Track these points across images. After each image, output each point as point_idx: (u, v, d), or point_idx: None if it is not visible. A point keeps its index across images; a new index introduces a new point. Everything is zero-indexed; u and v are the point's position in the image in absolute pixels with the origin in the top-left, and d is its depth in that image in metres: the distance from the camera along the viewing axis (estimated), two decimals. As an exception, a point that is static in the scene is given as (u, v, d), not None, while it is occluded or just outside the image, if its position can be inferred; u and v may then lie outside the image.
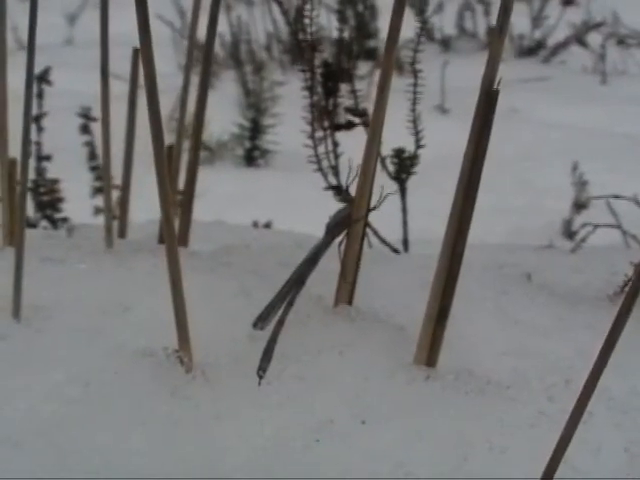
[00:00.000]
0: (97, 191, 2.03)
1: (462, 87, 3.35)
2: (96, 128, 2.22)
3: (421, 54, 1.44)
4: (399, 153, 1.40)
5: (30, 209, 1.84)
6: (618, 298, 1.17)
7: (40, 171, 1.85)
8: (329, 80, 1.46)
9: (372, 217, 1.47)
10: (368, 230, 1.46)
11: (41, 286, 0.95)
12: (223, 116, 2.90)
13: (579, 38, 3.93)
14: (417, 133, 1.43)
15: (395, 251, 1.45)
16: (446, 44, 4.16)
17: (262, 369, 0.83)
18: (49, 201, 1.83)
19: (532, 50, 4.17)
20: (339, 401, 0.82)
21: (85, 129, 2.19)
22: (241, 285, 0.99)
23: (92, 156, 2.22)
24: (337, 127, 1.46)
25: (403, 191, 1.44)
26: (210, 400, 0.82)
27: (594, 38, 3.91)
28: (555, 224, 2.30)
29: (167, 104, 3.20)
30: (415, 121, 1.43)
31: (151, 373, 0.84)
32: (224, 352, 0.88)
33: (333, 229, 0.97)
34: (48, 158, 1.83)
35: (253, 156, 2.84)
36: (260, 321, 0.86)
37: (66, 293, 0.95)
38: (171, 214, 0.84)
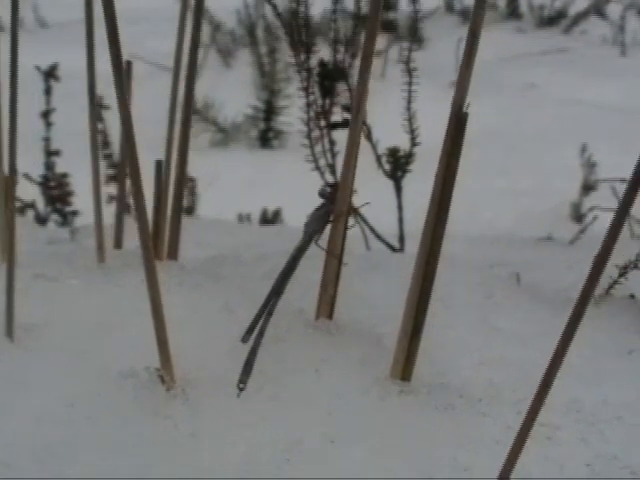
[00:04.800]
0: (110, 179, 2.07)
1: (480, 61, 3.35)
2: (107, 115, 2.26)
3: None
4: (394, 152, 1.42)
5: (40, 203, 1.88)
6: (603, 300, 1.19)
7: (49, 166, 1.89)
8: (325, 79, 1.48)
9: (368, 214, 1.50)
10: (365, 228, 1.49)
11: (33, 304, 0.99)
12: (238, 96, 2.92)
13: (598, 9, 3.90)
14: (412, 131, 1.45)
15: (392, 248, 1.48)
16: (466, 16, 4.14)
17: (242, 382, 0.86)
18: (59, 195, 1.87)
19: (552, 20, 4.15)
20: (311, 420, 0.85)
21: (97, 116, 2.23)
22: (225, 301, 1.02)
23: (105, 144, 2.26)
24: (333, 125, 1.48)
25: (399, 189, 1.46)
26: (188, 419, 0.85)
27: (614, 8, 3.88)
28: (564, 206, 2.31)
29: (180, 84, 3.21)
30: (411, 119, 1.44)
31: (134, 393, 0.87)
32: (205, 369, 0.91)
33: (311, 228, 0.98)
34: (57, 153, 1.87)
35: (267, 137, 2.86)
36: (247, 335, 0.90)
37: (56, 312, 0.98)
38: (148, 238, 0.86)
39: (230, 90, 3.00)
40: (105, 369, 0.90)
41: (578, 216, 2.23)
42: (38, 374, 0.90)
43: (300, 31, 1.43)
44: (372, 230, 1.47)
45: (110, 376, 0.89)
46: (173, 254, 1.10)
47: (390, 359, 0.94)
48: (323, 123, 1.47)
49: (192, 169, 2.06)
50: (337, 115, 1.48)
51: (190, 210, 2.25)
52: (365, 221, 1.47)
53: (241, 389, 0.86)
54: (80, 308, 0.99)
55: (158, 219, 1.09)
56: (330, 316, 1.00)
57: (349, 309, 1.03)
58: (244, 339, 0.91)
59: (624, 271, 1.19)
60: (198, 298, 1.02)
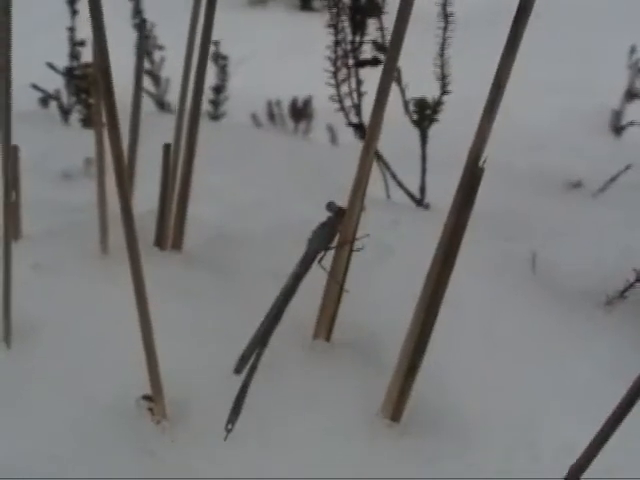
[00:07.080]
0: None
1: None
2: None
3: None
4: (421, 104, 1.36)
5: (65, 96, 1.85)
6: (614, 306, 1.16)
7: (75, 55, 1.83)
8: (357, 14, 1.40)
9: (394, 163, 1.45)
10: (390, 177, 1.45)
11: (31, 302, 0.98)
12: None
13: None
14: (444, 78, 1.38)
15: (414, 199, 1.44)
16: None
17: (230, 423, 0.86)
18: (84, 87, 1.82)
19: None
20: (295, 469, 0.85)
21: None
22: (225, 311, 1.00)
23: (137, 12, 2.19)
24: (362, 63, 1.41)
25: (424, 138, 1.41)
26: (174, 457, 0.86)
27: None
28: (606, 109, 2.21)
29: None
30: (443, 66, 1.37)
31: (120, 425, 0.87)
32: (196, 398, 0.90)
33: (315, 246, 0.95)
34: (82, 44, 1.81)
35: (309, -2, 2.76)
36: (240, 365, 0.89)
37: (52, 316, 0.97)
38: (137, 251, 0.84)
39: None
40: (95, 394, 0.90)
41: (617, 128, 2.15)
42: (27, 396, 0.90)
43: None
44: (394, 177, 1.43)
45: (99, 403, 0.89)
46: (177, 244, 1.08)
47: (384, 390, 0.92)
48: (351, 61, 1.40)
49: (226, 34, 2.01)
50: (366, 54, 1.41)
51: (219, 89, 2.20)
52: (388, 167, 1.43)
53: (229, 431, 0.86)
54: (77, 313, 0.98)
55: (164, 207, 1.06)
56: (328, 337, 0.98)
57: (350, 318, 1.01)
58: (237, 369, 0.89)
59: (640, 276, 1.15)
60: (196, 308, 1.00)
